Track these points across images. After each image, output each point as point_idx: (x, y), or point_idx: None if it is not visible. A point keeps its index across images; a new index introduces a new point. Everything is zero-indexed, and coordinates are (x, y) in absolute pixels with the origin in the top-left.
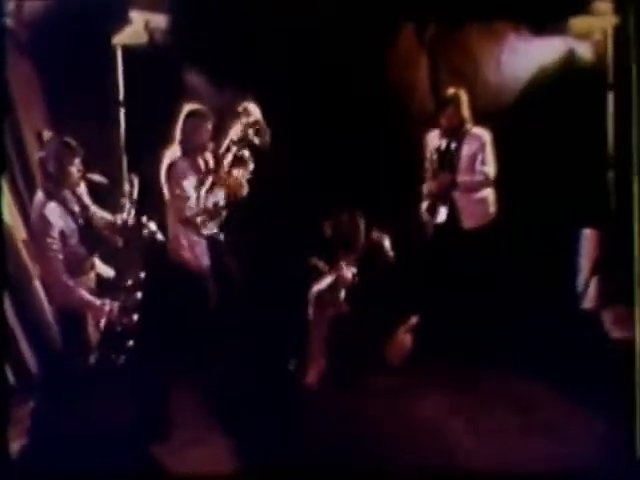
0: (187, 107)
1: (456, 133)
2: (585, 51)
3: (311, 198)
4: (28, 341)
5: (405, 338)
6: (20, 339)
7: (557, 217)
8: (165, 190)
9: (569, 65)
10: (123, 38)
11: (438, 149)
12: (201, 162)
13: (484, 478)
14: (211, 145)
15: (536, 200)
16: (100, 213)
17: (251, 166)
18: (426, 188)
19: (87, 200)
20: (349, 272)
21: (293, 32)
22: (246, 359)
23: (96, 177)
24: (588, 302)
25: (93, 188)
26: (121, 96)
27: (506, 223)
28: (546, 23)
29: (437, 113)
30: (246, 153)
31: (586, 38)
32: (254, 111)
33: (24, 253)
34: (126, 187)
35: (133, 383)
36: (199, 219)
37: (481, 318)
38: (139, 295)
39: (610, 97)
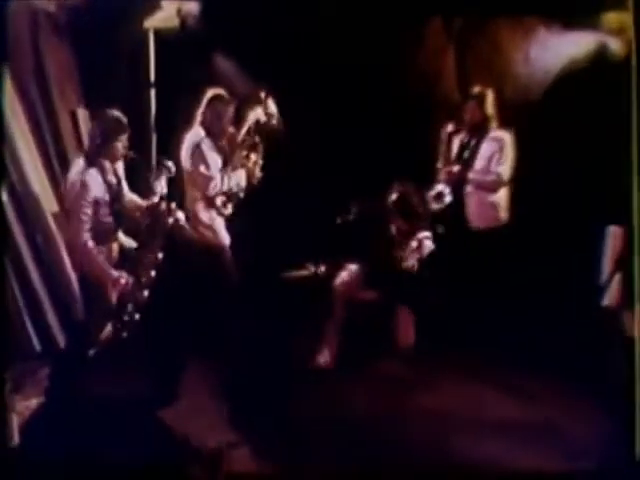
0: (211, 91)
1: (478, 130)
2: (617, 47)
3: (326, 184)
4: (53, 308)
5: (407, 320)
6: (47, 308)
7: (583, 213)
8: (188, 168)
9: (600, 60)
10: (155, 22)
11: (457, 143)
12: (224, 145)
13: (481, 476)
14: (231, 129)
15: (563, 195)
16: (130, 195)
17: (261, 152)
18: (438, 177)
19: (122, 177)
20: (427, 240)
21: (321, 21)
22: (259, 337)
23: (133, 155)
24: (609, 300)
25: (129, 167)
26: (152, 78)
27: (531, 217)
28: (577, 17)
29: (461, 107)
30: (257, 139)
31: (619, 34)
32: (270, 102)
33: (53, 224)
34: (157, 171)
35: (146, 354)
36: (220, 199)
37: (495, 312)
38: (153, 273)
39: None
